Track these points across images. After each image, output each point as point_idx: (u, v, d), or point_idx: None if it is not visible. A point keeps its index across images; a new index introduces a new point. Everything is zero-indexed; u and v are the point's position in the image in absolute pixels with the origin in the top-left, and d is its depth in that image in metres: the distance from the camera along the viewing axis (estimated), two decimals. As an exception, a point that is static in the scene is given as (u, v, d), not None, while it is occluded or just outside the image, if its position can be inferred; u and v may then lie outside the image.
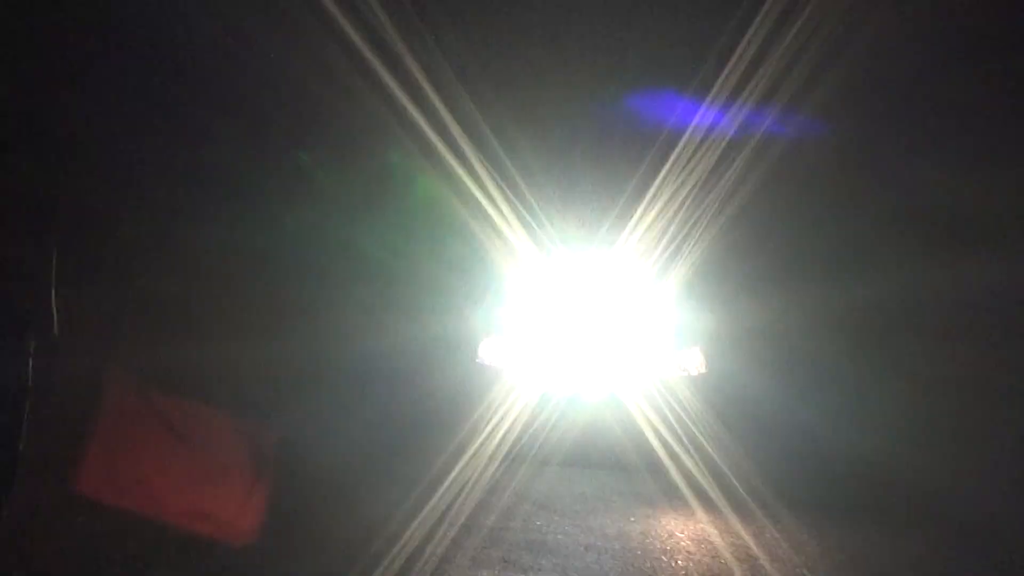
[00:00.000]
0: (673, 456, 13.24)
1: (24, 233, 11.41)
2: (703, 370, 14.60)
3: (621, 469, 13.19)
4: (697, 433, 13.81)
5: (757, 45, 24.68)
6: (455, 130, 20.41)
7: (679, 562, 10.18)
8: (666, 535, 11.12)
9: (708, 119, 24.54)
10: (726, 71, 24.77)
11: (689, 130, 23.39)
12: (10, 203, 11.10)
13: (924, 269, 24.66)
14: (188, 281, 20.41)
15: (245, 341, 17.81)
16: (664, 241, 16.54)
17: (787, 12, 24.96)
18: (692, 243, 17.06)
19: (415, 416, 14.17)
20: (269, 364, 16.49)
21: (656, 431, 13.41)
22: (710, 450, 13.64)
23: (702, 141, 23.11)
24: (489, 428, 13.26)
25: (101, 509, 12.66)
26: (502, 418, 13.37)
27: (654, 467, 13.02)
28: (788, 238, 26.13)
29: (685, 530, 11.13)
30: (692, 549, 10.51)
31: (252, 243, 21.01)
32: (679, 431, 13.67)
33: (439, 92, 21.79)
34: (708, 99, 24.92)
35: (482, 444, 13.04)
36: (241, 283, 20.11)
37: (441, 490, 12.20)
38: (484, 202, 17.12)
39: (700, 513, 11.74)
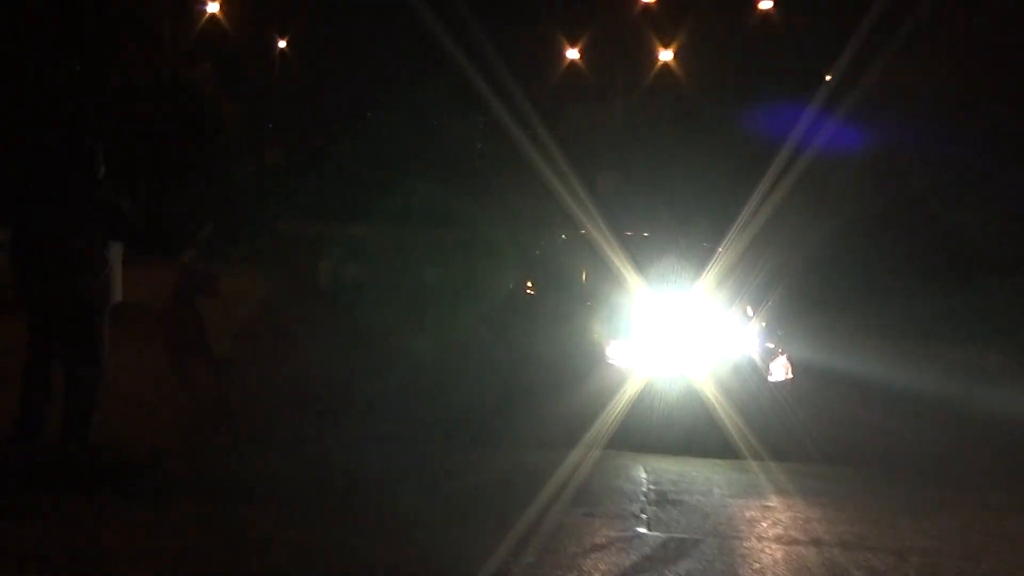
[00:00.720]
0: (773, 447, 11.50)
1: None
2: (790, 375, 12.76)
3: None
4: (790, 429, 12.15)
5: (853, 67, 22.53)
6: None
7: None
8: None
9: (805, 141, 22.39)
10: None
11: (785, 150, 21.60)
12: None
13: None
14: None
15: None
16: (759, 256, 14.63)
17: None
18: (786, 256, 15.43)
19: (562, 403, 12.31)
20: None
21: (750, 427, 11.69)
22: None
23: (799, 163, 21.19)
24: (616, 418, 11.80)
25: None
26: (630, 411, 11.94)
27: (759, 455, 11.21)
28: (880, 250, 24.36)
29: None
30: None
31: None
32: (769, 426, 11.92)
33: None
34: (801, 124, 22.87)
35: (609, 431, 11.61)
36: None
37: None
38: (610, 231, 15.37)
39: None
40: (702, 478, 10.30)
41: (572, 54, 31.64)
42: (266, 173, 26.84)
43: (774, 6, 31.14)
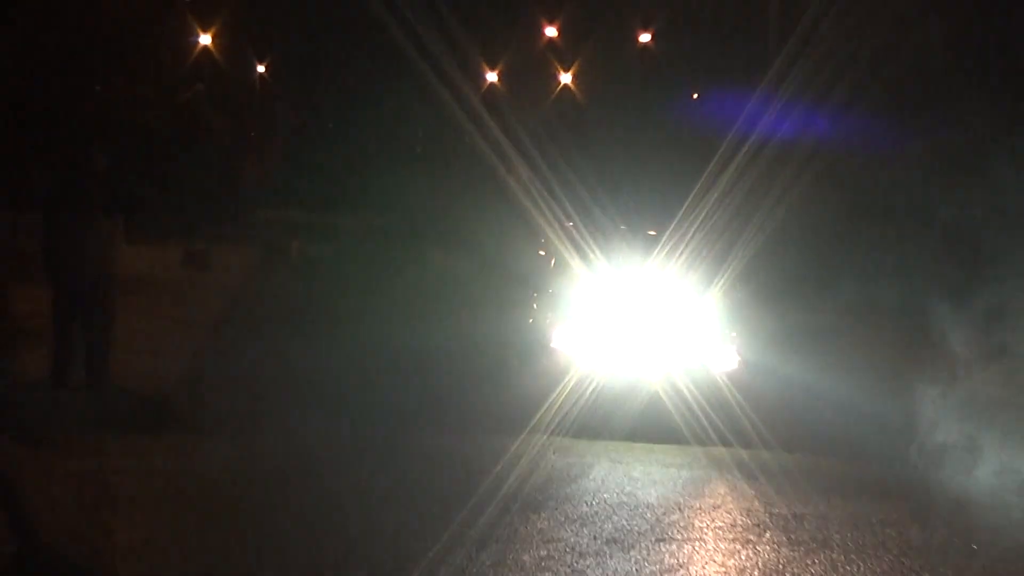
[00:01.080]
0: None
1: None
2: (736, 366, 10.31)
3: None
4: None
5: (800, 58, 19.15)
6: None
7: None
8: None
9: (750, 127, 19.31)
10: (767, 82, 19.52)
11: (731, 138, 18.54)
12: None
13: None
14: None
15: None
16: (707, 243, 11.74)
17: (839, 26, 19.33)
18: (733, 245, 12.17)
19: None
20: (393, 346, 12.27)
21: (699, 422, 9.62)
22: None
23: (744, 149, 18.13)
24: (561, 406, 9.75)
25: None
26: (565, 396, 9.84)
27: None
28: (825, 241, 21.12)
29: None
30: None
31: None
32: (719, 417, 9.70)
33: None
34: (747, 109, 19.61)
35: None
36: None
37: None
38: (555, 206, 13.44)
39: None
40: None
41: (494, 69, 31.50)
42: (247, 171, 26.74)
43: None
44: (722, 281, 11.09)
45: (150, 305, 14.12)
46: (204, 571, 6.07)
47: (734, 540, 6.74)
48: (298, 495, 7.38)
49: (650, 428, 9.66)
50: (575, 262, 11.50)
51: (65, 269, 9.80)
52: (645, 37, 31.56)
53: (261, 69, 29.23)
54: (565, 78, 32.11)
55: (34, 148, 12.86)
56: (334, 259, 20.29)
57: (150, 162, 17.96)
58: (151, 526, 6.63)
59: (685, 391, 9.92)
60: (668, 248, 11.26)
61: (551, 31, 32.01)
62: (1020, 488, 8.35)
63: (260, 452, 8.41)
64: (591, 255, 11.44)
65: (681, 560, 6.42)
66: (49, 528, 6.40)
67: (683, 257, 11.20)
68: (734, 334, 10.68)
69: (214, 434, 8.94)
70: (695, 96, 30.99)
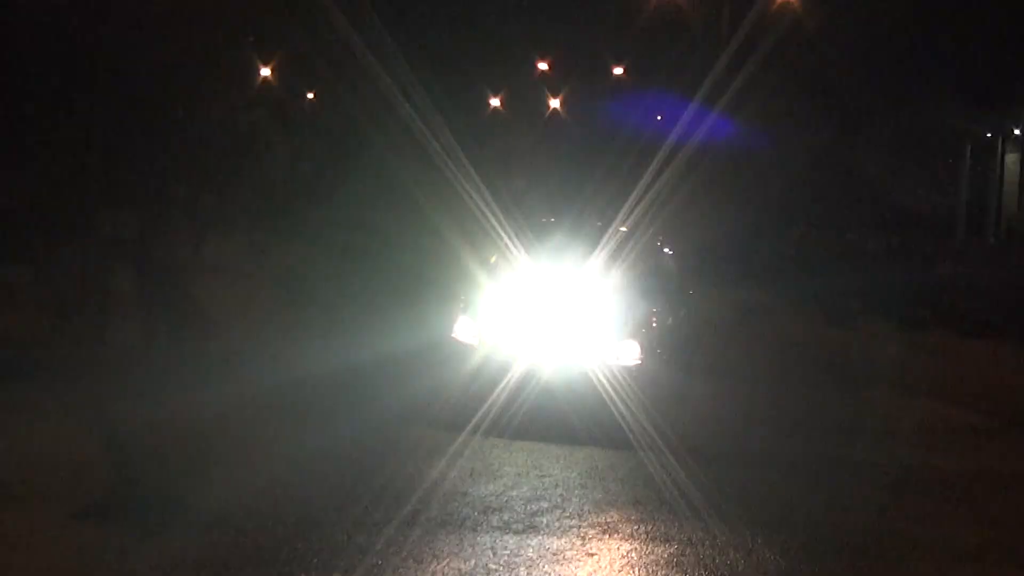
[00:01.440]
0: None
1: None
2: (639, 361, 8.17)
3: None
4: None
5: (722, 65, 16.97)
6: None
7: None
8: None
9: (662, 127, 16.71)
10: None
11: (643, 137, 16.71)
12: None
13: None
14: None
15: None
16: (610, 238, 9.35)
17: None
18: (636, 240, 9.51)
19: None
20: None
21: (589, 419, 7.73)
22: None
23: (655, 148, 15.67)
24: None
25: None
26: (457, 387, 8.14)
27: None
28: (730, 237, 19.18)
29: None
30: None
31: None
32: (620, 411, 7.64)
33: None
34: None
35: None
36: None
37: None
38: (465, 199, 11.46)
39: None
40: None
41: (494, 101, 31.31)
42: (298, 178, 26.61)
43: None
44: (629, 274, 9.10)
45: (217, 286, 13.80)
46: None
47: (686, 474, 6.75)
48: (294, 440, 7.20)
49: (537, 424, 7.81)
50: (493, 257, 9.60)
51: (151, 258, 9.94)
52: (618, 70, 31.55)
53: (311, 96, 29.41)
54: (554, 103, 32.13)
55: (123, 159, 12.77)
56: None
57: (218, 174, 17.93)
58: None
59: (580, 384, 8.06)
60: (581, 242, 9.36)
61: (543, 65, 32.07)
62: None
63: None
64: (508, 250, 9.46)
65: (648, 495, 6.42)
66: (143, 468, 6.42)
67: (597, 251, 9.20)
68: (637, 327, 8.63)
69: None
70: (659, 118, 30.79)
